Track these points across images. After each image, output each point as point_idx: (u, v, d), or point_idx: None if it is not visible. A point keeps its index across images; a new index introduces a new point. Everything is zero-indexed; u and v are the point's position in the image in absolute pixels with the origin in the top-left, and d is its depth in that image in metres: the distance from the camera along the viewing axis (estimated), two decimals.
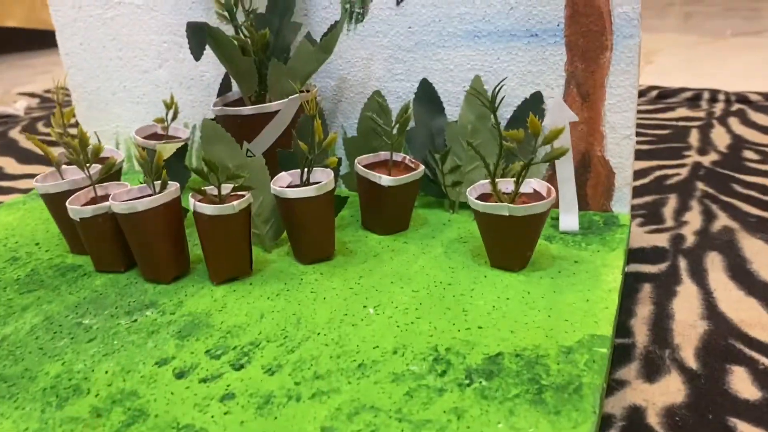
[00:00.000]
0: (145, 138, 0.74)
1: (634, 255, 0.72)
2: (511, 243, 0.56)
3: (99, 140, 0.77)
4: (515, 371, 0.44)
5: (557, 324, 0.49)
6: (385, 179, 0.63)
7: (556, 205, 0.63)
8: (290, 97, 0.68)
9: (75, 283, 0.59)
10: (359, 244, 0.64)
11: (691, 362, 0.54)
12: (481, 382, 0.44)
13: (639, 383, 0.52)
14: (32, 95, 1.64)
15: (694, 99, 1.34)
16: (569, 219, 0.64)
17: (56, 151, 0.64)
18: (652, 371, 0.54)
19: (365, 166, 0.66)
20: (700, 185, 0.91)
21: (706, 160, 1.01)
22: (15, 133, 1.32)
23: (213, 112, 0.71)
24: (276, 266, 0.60)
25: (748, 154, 1.02)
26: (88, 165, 0.60)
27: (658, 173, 0.96)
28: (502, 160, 0.57)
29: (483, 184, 0.59)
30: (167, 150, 0.68)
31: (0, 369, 0.48)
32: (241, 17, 0.70)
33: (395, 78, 0.74)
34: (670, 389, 0.51)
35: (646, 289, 0.66)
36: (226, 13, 0.69)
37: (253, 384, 0.45)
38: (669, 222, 0.80)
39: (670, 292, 0.65)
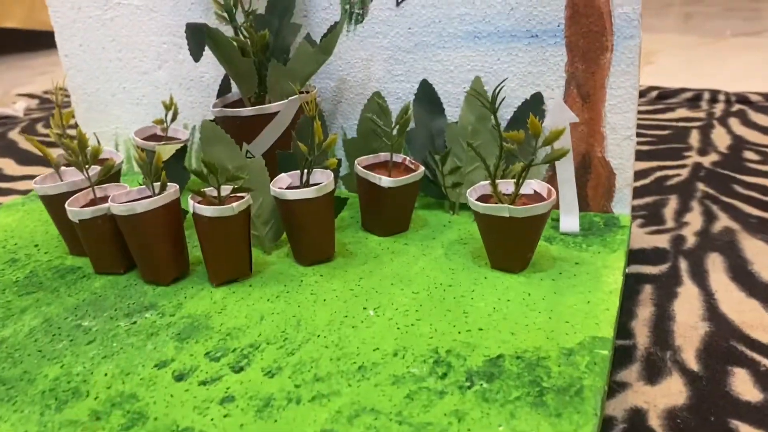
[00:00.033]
0: (144, 139, 0.74)
1: (634, 256, 0.72)
2: (511, 244, 0.56)
3: (98, 141, 0.77)
4: (516, 373, 0.44)
5: (558, 326, 0.49)
6: (385, 180, 0.63)
7: (556, 206, 0.63)
8: (290, 99, 0.68)
9: (74, 284, 0.59)
10: (359, 245, 0.64)
11: (693, 364, 0.54)
12: (481, 385, 0.43)
13: (640, 385, 0.52)
14: (32, 96, 1.64)
15: (694, 99, 1.34)
16: (570, 220, 0.64)
17: (55, 153, 0.64)
18: (653, 373, 0.53)
19: (365, 167, 0.66)
20: (701, 186, 0.91)
21: (707, 160, 1.00)
22: (14, 135, 1.32)
23: (212, 114, 0.71)
24: (276, 268, 0.60)
25: (749, 154, 1.02)
26: (87, 166, 0.59)
27: (658, 174, 0.96)
28: (502, 161, 0.56)
29: (483, 185, 0.59)
30: (166, 151, 0.68)
31: None
32: (240, 18, 0.70)
33: (395, 79, 0.74)
34: (672, 391, 0.51)
35: (647, 290, 0.66)
36: (225, 14, 0.69)
37: (253, 386, 0.44)
38: (669, 223, 0.80)
39: (671, 293, 0.65)
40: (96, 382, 0.46)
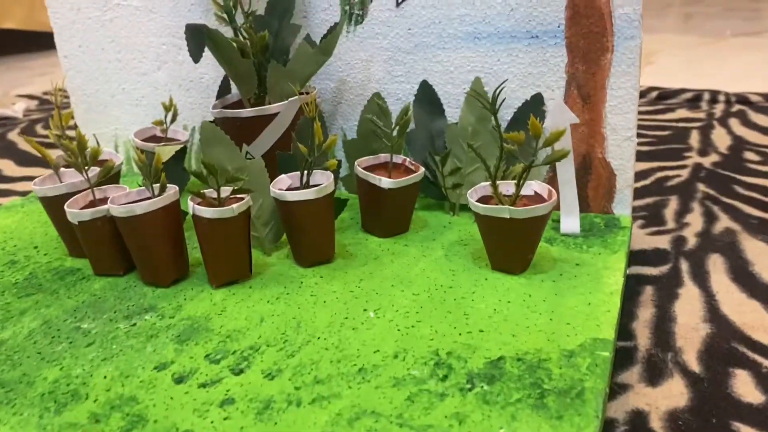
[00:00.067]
0: (144, 140, 0.74)
1: (635, 257, 0.72)
2: (512, 246, 0.56)
3: (98, 143, 0.77)
4: (517, 375, 0.44)
5: (559, 327, 0.49)
6: (385, 181, 0.62)
7: (557, 207, 0.62)
8: (290, 100, 0.68)
9: (73, 286, 0.59)
10: (359, 246, 0.64)
11: (694, 366, 0.54)
12: (482, 387, 0.43)
13: (641, 387, 0.52)
14: (31, 97, 1.64)
15: (695, 100, 1.34)
16: (570, 221, 0.64)
17: (54, 154, 0.64)
18: (654, 375, 0.53)
19: (365, 169, 0.66)
20: (701, 187, 0.91)
21: (707, 161, 1.00)
22: (14, 136, 1.32)
23: (212, 115, 0.71)
24: (276, 269, 0.60)
25: (749, 155, 1.02)
26: (86, 168, 0.59)
27: (658, 174, 0.96)
28: (502, 162, 0.56)
29: (484, 186, 0.59)
30: (166, 153, 0.68)
31: None
32: (240, 19, 0.70)
33: (395, 80, 0.73)
34: (673, 393, 0.51)
35: (648, 291, 0.65)
36: (225, 15, 0.69)
37: (253, 389, 0.44)
38: (670, 224, 0.80)
39: (671, 294, 0.65)
40: (95, 384, 0.46)
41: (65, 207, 0.58)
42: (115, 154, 0.70)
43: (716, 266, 0.69)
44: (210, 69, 0.81)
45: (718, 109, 1.26)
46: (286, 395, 0.43)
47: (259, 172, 0.63)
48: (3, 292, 0.59)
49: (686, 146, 1.07)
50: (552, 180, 0.69)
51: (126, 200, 0.58)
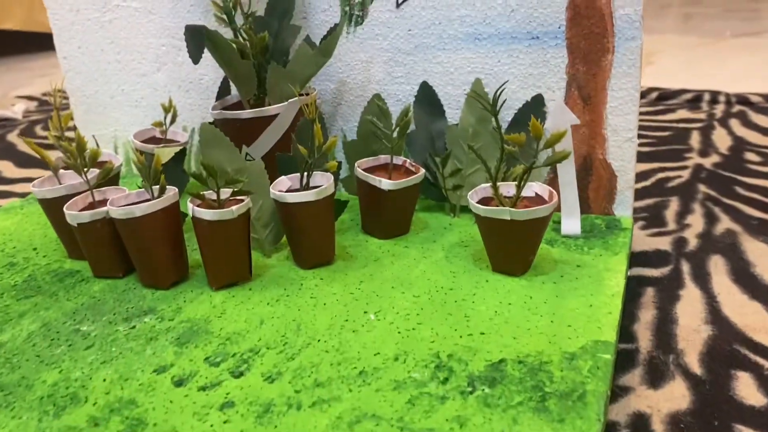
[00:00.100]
0: (143, 142, 0.73)
1: (636, 258, 0.72)
2: (512, 247, 0.56)
3: (97, 144, 0.76)
4: (518, 378, 0.44)
5: (560, 330, 0.49)
6: (385, 183, 0.62)
7: (557, 208, 0.62)
8: (289, 101, 0.68)
9: (73, 288, 0.59)
10: (359, 248, 0.64)
11: (696, 368, 0.54)
12: (483, 390, 0.43)
13: (643, 389, 0.52)
14: (30, 98, 1.64)
15: (695, 100, 1.33)
16: (571, 222, 0.64)
17: (54, 155, 0.64)
18: (656, 377, 0.53)
19: (365, 170, 0.65)
20: (702, 187, 0.90)
21: (708, 162, 1.00)
22: (13, 137, 1.32)
23: (212, 116, 0.70)
24: (276, 271, 0.60)
25: (750, 156, 1.02)
26: (85, 169, 0.59)
27: (659, 175, 0.96)
28: (503, 163, 0.56)
29: (484, 188, 0.59)
30: (165, 154, 0.67)
31: None
32: (239, 20, 0.70)
33: (395, 81, 0.73)
34: (675, 395, 0.51)
35: (649, 293, 0.65)
36: (224, 16, 0.69)
37: (253, 392, 0.44)
38: (671, 225, 0.80)
39: (673, 296, 0.64)
40: (95, 387, 0.45)
41: (64, 209, 0.58)
42: (114, 155, 0.69)
43: (717, 267, 0.69)
44: (209, 70, 0.80)
45: (719, 110, 1.26)
46: (286, 398, 0.43)
47: (259, 174, 0.63)
48: (2, 295, 0.58)
49: (687, 147, 1.07)
50: (553, 181, 0.69)
51: (125, 202, 0.58)
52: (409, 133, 0.71)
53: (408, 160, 0.66)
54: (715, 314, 0.61)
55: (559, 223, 0.65)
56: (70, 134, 0.62)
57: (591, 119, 0.66)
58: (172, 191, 0.57)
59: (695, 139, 1.10)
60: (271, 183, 0.60)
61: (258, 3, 0.70)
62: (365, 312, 0.53)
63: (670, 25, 2.28)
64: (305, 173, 0.59)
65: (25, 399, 0.45)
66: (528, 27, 0.66)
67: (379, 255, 0.62)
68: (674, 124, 1.19)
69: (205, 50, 0.66)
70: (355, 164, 0.65)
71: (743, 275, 0.68)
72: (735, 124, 1.18)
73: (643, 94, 1.37)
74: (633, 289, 0.66)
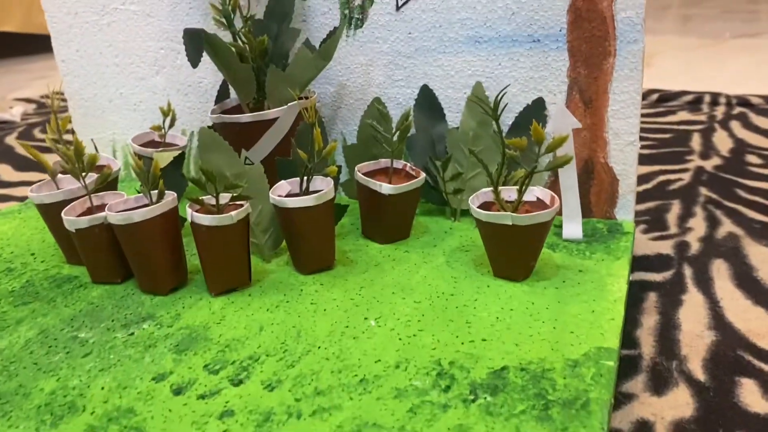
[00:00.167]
0: (142, 145, 0.73)
1: (638, 263, 0.71)
2: (514, 252, 0.55)
3: (96, 148, 0.76)
4: (521, 386, 0.43)
5: (563, 336, 0.48)
6: (385, 187, 0.62)
7: (559, 212, 0.62)
8: (289, 104, 0.67)
9: (71, 294, 0.58)
10: (360, 253, 0.63)
11: (699, 374, 0.53)
12: (486, 398, 0.42)
13: (646, 396, 0.51)
14: (28, 101, 1.63)
15: (695, 102, 1.33)
16: (573, 227, 0.63)
17: (52, 159, 0.63)
18: (659, 384, 0.53)
19: (365, 174, 0.65)
20: (704, 190, 0.90)
21: (709, 164, 1.00)
22: (11, 140, 1.31)
23: (210, 120, 0.70)
24: (275, 277, 0.59)
25: (751, 158, 1.02)
26: (83, 174, 0.59)
27: (660, 178, 0.95)
28: (504, 167, 0.56)
29: (485, 192, 0.58)
30: (164, 159, 0.67)
31: None
32: (238, 23, 0.69)
33: (395, 84, 0.73)
34: (679, 402, 0.50)
35: (652, 298, 0.65)
36: (223, 20, 0.68)
37: (253, 400, 0.43)
38: (673, 229, 0.79)
39: (675, 301, 0.64)
40: (93, 395, 0.45)
41: (62, 214, 0.57)
42: (113, 159, 0.69)
43: (720, 272, 0.69)
44: (208, 73, 0.80)
45: (719, 112, 1.26)
46: (286, 407, 0.43)
47: (258, 179, 0.62)
48: None
49: (688, 149, 1.07)
50: (554, 185, 0.68)
51: (123, 207, 0.57)
52: (410, 137, 0.70)
53: (408, 164, 0.66)
54: (718, 319, 0.61)
55: (560, 227, 0.64)
56: (69, 137, 0.62)
57: (592, 123, 0.66)
58: (170, 196, 0.56)
59: (696, 142, 1.10)
60: (270, 187, 0.60)
61: (257, 6, 0.70)
62: (366, 318, 0.52)
63: (670, 26, 2.27)
64: (305, 178, 0.59)
65: (22, 408, 0.44)
66: (529, 30, 0.66)
67: (379, 260, 0.62)
68: (675, 126, 1.19)
69: (204, 54, 0.65)
70: (356, 168, 0.65)
71: (746, 280, 0.67)
72: (736, 126, 1.17)
73: (644, 96, 1.36)
74: (635, 294, 0.65)
